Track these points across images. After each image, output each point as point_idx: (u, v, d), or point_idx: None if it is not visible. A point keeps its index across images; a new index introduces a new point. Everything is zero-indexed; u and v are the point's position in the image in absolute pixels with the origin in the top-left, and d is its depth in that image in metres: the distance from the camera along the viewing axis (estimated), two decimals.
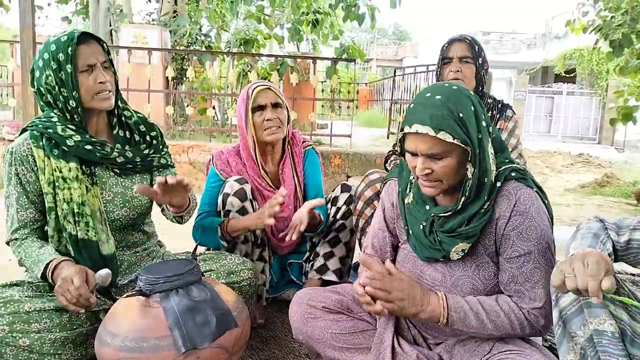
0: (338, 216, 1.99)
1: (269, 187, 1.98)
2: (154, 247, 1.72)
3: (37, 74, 1.43)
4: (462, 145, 1.13)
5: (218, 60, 7.07)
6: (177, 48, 7.09)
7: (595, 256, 0.93)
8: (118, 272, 1.52)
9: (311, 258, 2.05)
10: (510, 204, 1.18)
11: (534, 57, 19.00)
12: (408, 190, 1.35)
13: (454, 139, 1.11)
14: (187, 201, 1.52)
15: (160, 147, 1.64)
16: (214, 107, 6.25)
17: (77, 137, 1.43)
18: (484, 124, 1.17)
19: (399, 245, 1.44)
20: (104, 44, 1.47)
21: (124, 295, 1.25)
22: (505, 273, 1.22)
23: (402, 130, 1.18)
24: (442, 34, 17.91)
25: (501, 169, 1.22)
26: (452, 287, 1.26)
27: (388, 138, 7.21)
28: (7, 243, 1.46)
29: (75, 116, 1.43)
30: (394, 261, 1.45)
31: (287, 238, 1.74)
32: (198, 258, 1.64)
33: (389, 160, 2.32)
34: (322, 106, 13.59)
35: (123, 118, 1.56)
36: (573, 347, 1.00)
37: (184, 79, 6.92)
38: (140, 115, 1.63)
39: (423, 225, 1.28)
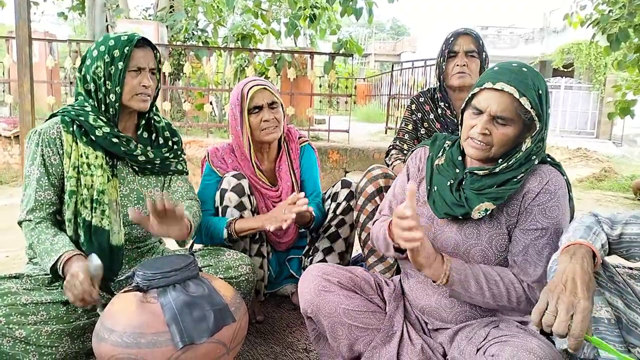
0: (338, 212, 1.98)
1: (266, 185, 1.97)
2: (154, 243, 1.74)
3: (88, 62, 1.49)
4: (534, 118, 1.19)
5: (215, 56, 7.05)
6: (174, 43, 7.07)
7: (583, 308, 0.88)
8: (121, 265, 1.54)
9: (310, 253, 2.05)
10: (541, 182, 1.24)
11: (532, 51, 18.96)
12: (441, 154, 1.40)
13: (531, 108, 1.18)
14: (187, 229, 1.49)
15: (179, 153, 1.70)
16: (211, 103, 6.24)
17: (106, 129, 1.48)
18: (548, 111, 1.24)
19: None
20: (158, 54, 1.56)
21: (122, 291, 1.25)
22: (518, 243, 1.25)
23: (480, 86, 1.22)
24: (440, 29, 17.87)
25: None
26: (464, 255, 1.29)
27: (386, 133, 7.20)
28: (20, 223, 1.46)
29: (110, 110, 1.50)
30: None
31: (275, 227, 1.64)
32: (196, 253, 1.64)
33: (389, 154, 2.31)
34: (320, 101, 13.57)
35: (152, 121, 1.64)
36: None
37: (181, 74, 6.90)
38: (167, 122, 1.70)
39: (451, 183, 1.31)
